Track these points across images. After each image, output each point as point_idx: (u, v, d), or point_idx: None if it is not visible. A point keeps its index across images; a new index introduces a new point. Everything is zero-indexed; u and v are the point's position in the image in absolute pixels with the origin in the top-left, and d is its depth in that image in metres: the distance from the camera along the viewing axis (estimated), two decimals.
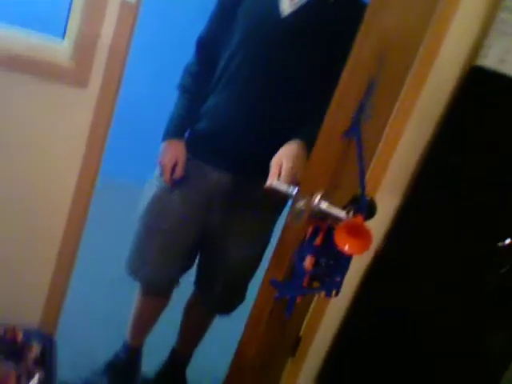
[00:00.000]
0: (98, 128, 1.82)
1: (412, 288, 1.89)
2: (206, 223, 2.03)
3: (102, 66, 1.76)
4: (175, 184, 1.99)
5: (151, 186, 2.06)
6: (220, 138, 1.95)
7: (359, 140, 1.28)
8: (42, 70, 1.74)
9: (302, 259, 1.38)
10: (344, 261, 1.36)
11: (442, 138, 1.83)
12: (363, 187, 1.27)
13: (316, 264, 1.38)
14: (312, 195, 1.31)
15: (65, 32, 1.78)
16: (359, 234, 1.23)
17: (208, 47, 2.01)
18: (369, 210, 1.32)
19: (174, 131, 2.03)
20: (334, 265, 1.37)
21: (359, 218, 1.25)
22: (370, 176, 1.74)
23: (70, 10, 1.75)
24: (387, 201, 1.88)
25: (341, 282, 1.39)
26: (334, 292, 1.39)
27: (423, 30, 1.60)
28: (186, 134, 2.05)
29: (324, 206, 1.31)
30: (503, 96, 1.77)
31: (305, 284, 1.41)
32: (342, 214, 1.29)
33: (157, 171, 2.05)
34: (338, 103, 1.37)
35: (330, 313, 2.00)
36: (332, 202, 1.32)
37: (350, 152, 1.33)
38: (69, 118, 1.81)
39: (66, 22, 1.77)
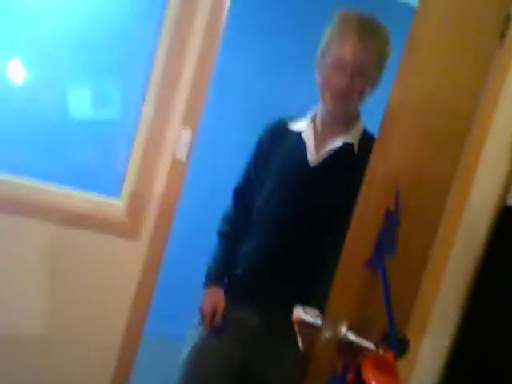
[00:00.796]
0: (147, 277, 1.93)
1: None
2: (245, 371, 2.00)
3: (152, 221, 1.91)
4: (215, 332, 2.00)
5: (191, 336, 2.05)
6: (255, 282, 2.00)
7: (384, 273, 1.27)
8: (100, 226, 1.90)
9: None
10: None
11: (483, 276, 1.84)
12: (391, 321, 1.24)
13: None
14: (337, 324, 1.28)
15: (120, 191, 1.96)
16: (388, 371, 1.19)
17: (243, 197, 2.13)
18: (401, 347, 1.27)
19: (214, 278, 2.08)
20: None
21: (389, 354, 1.21)
22: (415, 316, 1.74)
23: (125, 171, 1.94)
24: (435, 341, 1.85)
25: None
26: None
27: (452, 171, 1.70)
28: (226, 280, 2.09)
29: (352, 337, 1.27)
30: None
31: None
32: (371, 346, 1.25)
33: (196, 320, 2.07)
34: (354, 232, 1.42)
35: None
36: (362, 335, 1.27)
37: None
38: (122, 266, 1.93)
39: (122, 182, 1.96)
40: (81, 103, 2.03)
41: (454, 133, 1.73)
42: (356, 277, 1.42)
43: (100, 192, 1.97)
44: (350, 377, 1.31)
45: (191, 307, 2.12)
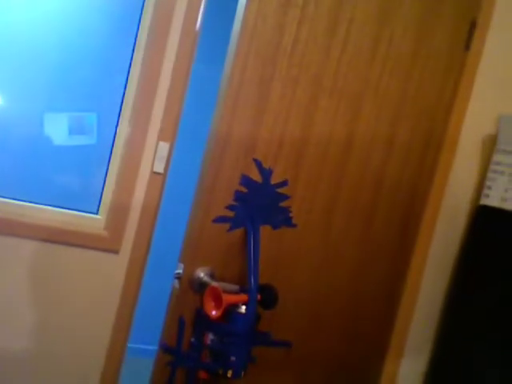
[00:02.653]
0: (129, 289, 1.93)
1: None
2: None
3: (132, 234, 1.92)
4: None
5: None
6: None
7: (250, 236, 1.47)
8: (80, 241, 1.90)
9: (200, 333, 1.44)
10: (238, 341, 1.39)
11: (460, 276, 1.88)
12: (254, 274, 1.42)
13: (213, 340, 1.45)
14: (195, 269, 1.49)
15: (98, 206, 1.97)
16: (218, 300, 1.39)
17: None
18: (269, 296, 1.50)
19: None
20: (228, 342, 1.40)
21: (216, 287, 1.39)
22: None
23: (103, 187, 1.96)
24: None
25: (237, 363, 1.39)
26: (229, 372, 1.39)
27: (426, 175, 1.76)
28: None
29: (206, 279, 1.48)
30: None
31: (204, 359, 1.47)
32: (213, 282, 1.44)
33: None
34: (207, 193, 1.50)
35: None
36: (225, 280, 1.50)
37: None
38: (104, 280, 1.93)
39: (100, 197, 1.97)
40: (57, 129, 2.05)
41: (428, 136, 1.79)
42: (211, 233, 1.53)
43: (80, 209, 1.97)
44: (214, 318, 1.43)
45: None
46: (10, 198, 1.90)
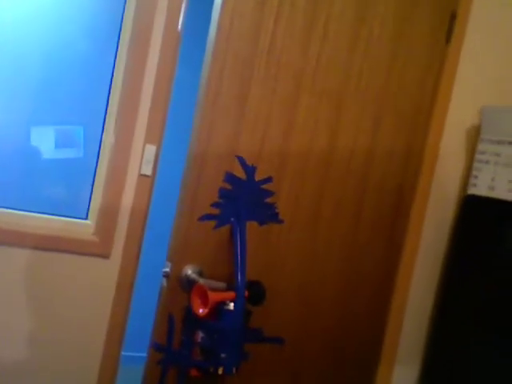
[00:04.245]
0: (121, 293, 1.94)
1: None
2: None
3: (122, 238, 1.93)
4: None
5: None
6: None
7: (236, 232, 1.50)
8: (70, 247, 1.91)
9: (190, 330, 1.46)
10: (228, 337, 1.41)
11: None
12: (241, 272, 1.44)
13: (203, 337, 1.47)
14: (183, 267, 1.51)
15: (87, 212, 1.98)
16: (204, 297, 1.40)
17: None
18: (256, 292, 1.51)
19: None
20: (218, 339, 1.42)
21: (202, 285, 1.41)
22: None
23: (91, 192, 1.97)
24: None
25: (228, 360, 1.40)
26: (220, 369, 1.40)
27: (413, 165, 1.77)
28: None
29: (193, 276, 1.50)
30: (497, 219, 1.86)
31: (195, 356, 1.48)
32: (200, 280, 1.46)
33: None
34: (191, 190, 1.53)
35: None
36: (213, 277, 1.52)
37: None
38: (96, 285, 1.93)
39: (89, 203, 1.98)
40: (44, 142, 2.07)
41: (416, 124, 1.80)
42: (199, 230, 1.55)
43: (69, 216, 1.98)
44: (202, 315, 1.44)
45: None
46: None
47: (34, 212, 1.93)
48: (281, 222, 1.60)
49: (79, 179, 2.02)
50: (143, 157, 1.92)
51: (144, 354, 3.42)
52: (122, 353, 2.00)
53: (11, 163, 2.03)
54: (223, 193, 1.50)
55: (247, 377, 1.63)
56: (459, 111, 1.93)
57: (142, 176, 1.93)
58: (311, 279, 1.68)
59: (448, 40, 1.85)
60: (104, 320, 1.94)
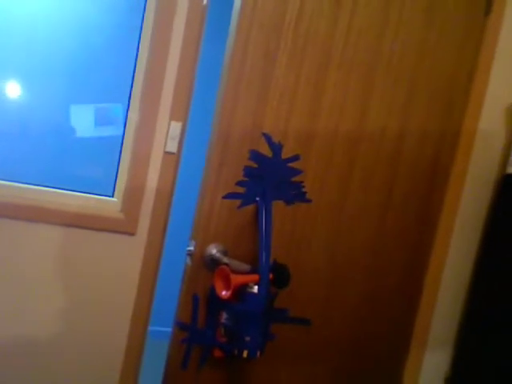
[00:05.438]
0: (148, 270, 1.93)
1: None
2: None
3: (148, 215, 1.91)
4: None
5: None
6: None
7: (262, 211, 1.45)
8: (97, 224, 1.91)
9: (215, 311, 1.44)
10: (252, 321, 1.37)
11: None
12: (266, 251, 1.39)
13: (227, 319, 1.44)
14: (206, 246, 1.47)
15: (114, 190, 1.97)
16: (226, 280, 1.36)
17: None
18: (280, 275, 1.45)
19: None
20: (241, 322, 1.38)
21: (224, 268, 1.36)
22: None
23: (117, 170, 1.95)
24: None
25: (252, 344, 1.36)
26: (245, 352, 1.36)
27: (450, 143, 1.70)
28: None
29: (217, 255, 1.46)
30: None
31: (219, 337, 1.46)
32: (224, 259, 1.42)
33: None
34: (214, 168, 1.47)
35: None
36: (236, 258, 1.47)
37: None
38: (123, 262, 1.94)
39: (115, 181, 1.97)
40: (84, 120, 2.07)
41: (452, 102, 1.72)
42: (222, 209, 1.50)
43: (97, 194, 1.98)
44: (227, 297, 1.39)
45: None
46: (29, 184, 1.92)
47: (61, 189, 1.94)
48: (308, 201, 1.55)
49: (108, 157, 2.01)
50: (168, 134, 1.89)
51: (169, 329, 3.45)
52: (150, 328, 2.01)
53: (50, 142, 2.04)
54: (248, 171, 1.45)
55: (270, 358, 1.61)
56: (499, 88, 1.84)
57: (167, 153, 1.90)
58: (337, 259, 1.64)
59: (487, 12, 1.75)
60: (130, 296, 1.95)
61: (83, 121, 2.06)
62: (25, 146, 2.01)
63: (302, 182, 1.53)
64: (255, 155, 1.46)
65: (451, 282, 1.88)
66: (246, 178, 1.45)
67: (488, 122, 1.83)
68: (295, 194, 1.53)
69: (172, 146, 1.90)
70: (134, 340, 1.97)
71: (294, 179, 1.52)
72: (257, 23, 1.42)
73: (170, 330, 3.52)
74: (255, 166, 1.46)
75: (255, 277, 1.37)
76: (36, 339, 1.91)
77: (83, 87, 2.04)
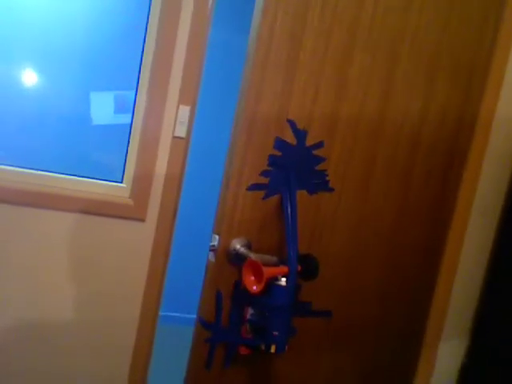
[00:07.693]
0: (158, 256, 1.89)
1: None
2: None
3: (158, 201, 1.86)
4: None
5: None
6: None
7: (286, 202, 1.41)
8: (107, 210, 1.85)
9: (240, 307, 1.41)
10: (280, 314, 1.34)
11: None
12: (293, 243, 1.36)
13: (253, 314, 1.41)
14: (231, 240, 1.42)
15: (123, 176, 1.91)
16: (258, 274, 1.31)
17: None
18: (308, 266, 1.43)
19: None
20: (270, 317, 1.36)
21: (256, 261, 1.31)
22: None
23: (126, 157, 1.89)
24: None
25: (280, 338, 1.34)
26: (273, 347, 1.34)
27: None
28: None
29: (242, 250, 1.41)
30: None
31: (244, 334, 1.42)
32: (251, 255, 1.37)
33: None
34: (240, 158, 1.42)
35: None
36: (263, 252, 1.44)
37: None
38: (133, 248, 1.88)
39: (124, 166, 1.90)
40: (103, 107, 2.01)
41: (471, 83, 1.67)
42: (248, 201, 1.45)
43: (107, 180, 1.92)
44: (254, 291, 1.36)
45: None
46: (43, 171, 1.88)
47: (72, 175, 1.88)
48: (331, 190, 1.51)
49: (122, 144, 1.96)
50: (177, 118, 1.82)
51: (178, 314, 3.44)
52: (160, 313, 1.98)
53: (68, 129, 1.99)
54: (273, 160, 1.40)
55: (293, 352, 1.58)
56: None
57: (175, 138, 1.84)
58: (360, 249, 1.61)
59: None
60: (141, 281, 1.91)
61: (103, 108, 1.99)
62: (44, 134, 1.97)
63: (325, 170, 1.49)
64: (280, 143, 1.40)
65: (468, 267, 1.88)
66: (270, 168, 1.40)
67: (507, 103, 1.79)
68: (318, 183, 1.48)
69: (181, 131, 1.83)
70: (145, 326, 1.94)
71: (317, 167, 1.47)
72: (282, 6, 1.34)
73: (178, 315, 3.51)
74: (279, 154, 1.41)
75: (284, 269, 1.33)
76: (47, 321, 1.87)
77: (101, 74, 1.99)
